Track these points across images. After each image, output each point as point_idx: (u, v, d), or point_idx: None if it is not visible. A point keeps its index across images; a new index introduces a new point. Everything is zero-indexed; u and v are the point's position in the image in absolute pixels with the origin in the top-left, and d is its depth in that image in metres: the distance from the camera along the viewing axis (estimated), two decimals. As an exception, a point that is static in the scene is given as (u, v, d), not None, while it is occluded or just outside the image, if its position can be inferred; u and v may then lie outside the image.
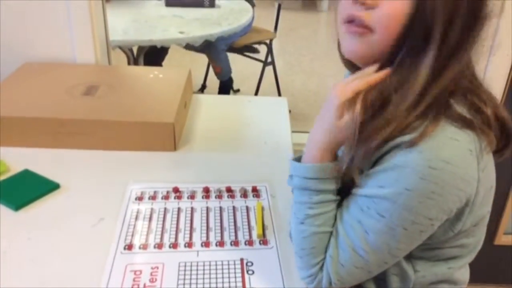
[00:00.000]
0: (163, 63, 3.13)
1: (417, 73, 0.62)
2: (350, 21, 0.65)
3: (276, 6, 3.25)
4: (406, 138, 0.61)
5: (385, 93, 0.63)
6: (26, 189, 0.93)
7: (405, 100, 0.62)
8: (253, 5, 2.97)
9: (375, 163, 0.65)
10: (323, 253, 0.69)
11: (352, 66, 0.74)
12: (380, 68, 0.65)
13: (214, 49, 2.91)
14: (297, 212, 0.71)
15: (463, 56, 0.63)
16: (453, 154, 0.61)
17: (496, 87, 1.44)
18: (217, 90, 3.22)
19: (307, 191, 0.70)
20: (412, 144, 0.60)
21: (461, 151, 0.62)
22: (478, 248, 0.75)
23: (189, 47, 3.00)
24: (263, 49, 3.18)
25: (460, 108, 0.64)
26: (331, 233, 0.70)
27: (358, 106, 0.63)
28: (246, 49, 3.20)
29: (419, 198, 0.61)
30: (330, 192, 0.70)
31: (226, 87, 3.17)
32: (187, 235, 0.83)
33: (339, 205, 0.71)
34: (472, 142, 0.63)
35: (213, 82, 3.29)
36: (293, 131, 1.22)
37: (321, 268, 0.69)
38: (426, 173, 0.60)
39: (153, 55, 2.96)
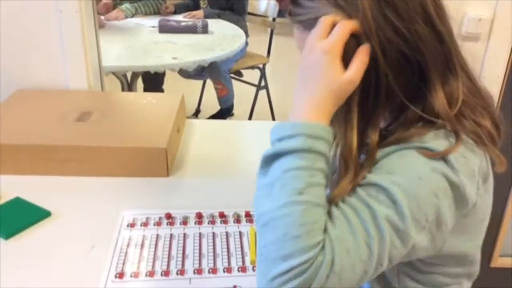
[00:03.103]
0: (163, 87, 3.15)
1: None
2: None
3: (269, 31, 3.29)
4: (422, 145, 0.62)
5: None
6: (17, 218, 0.91)
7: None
8: (247, 35, 3.00)
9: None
10: (322, 232, 0.56)
11: None
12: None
13: (218, 72, 2.91)
14: (293, 181, 0.58)
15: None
16: (462, 168, 0.61)
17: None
18: (211, 114, 3.22)
19: (311, 155, 0.59)
20: (436, 156, 0.60)
21: (468, 169, 0.62)
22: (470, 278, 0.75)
23: (186, 74, 3.02)
24: (256, 73, 3.20)
25: (468, 124, 0.65)
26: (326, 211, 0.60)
27: (366, 58, 0.60)
28: (235, 74, 3.22)
29: (426, 190, 0.59)
30: (328, 162, 0.61)
31: (225, 113, 3.17)
32: (179, 262, 0.82)
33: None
34: (477, 164, 0.64)
35: (207, 106, 3.30)
36: (286, 155, 1.22)
37: (322, 249, 0.55)
38: (438, 167, 0.59)
39: (152, 79, 2.97)
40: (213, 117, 3.16)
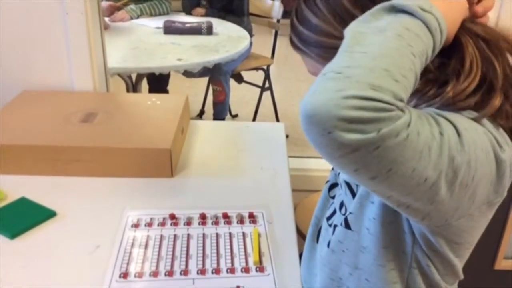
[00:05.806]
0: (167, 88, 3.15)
1: None
2: None
3: (273, 32, 3.30)
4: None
5: None
6: (23, 217, 0.92)
7: None
8: (251, 35, 3.00)
9: None
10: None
11: None
12: None
13: (220, 72, 2.90)
14: (414, 41, 0.53)
15: None
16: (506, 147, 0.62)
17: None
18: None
19: (435, 40, 0.56)
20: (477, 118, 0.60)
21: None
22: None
23: (189, 74, 3.02)
24: (260, 74, 3.21)
25: None
26: None
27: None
28: (234, 77, 3.21)
29: (483, 143, 0.58)
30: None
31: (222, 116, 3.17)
32: (183, 263, 0.82)
33: None
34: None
35: (212, 108, 3.31)
36: (290, 156, 1.23)
37: (405, 111, 0.50)
38: (489, 135, 0.59)
39: (157, 80, 2.98)
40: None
